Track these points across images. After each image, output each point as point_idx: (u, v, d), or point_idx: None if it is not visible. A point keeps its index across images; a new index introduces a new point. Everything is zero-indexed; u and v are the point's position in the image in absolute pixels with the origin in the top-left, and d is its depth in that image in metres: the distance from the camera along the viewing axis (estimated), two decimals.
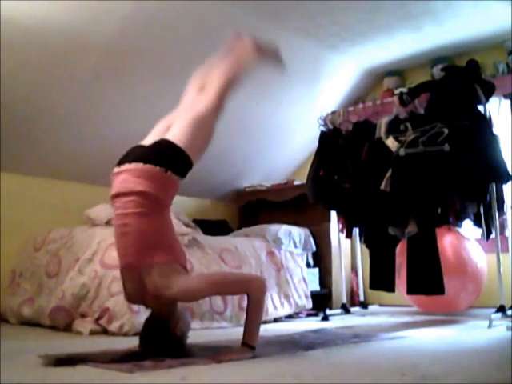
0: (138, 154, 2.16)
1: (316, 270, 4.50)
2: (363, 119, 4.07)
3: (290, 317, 4.03)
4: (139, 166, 2.11)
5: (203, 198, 4.97)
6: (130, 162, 2.14)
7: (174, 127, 2.25)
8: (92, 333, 2.96)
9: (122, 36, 3.44)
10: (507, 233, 3.75)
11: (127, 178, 2.12)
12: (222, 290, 2.37)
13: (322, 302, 4.37)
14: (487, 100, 3.52)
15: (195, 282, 2.14)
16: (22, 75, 3.39)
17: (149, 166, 2.10)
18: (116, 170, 2.19)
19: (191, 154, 2.20)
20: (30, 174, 3.95)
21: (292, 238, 4.33)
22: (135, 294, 2.12)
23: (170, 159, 2.15)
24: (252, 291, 2.08)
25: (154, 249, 2.07)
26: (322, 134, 4.17)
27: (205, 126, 2.28)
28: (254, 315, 2.09)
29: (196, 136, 2.24)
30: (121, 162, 2.19)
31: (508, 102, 3.70)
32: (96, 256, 3.18)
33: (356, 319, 3.89)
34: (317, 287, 4.44)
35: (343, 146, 4.01)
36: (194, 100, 2.41)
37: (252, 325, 2.09)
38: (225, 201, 5.27)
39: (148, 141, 2.26)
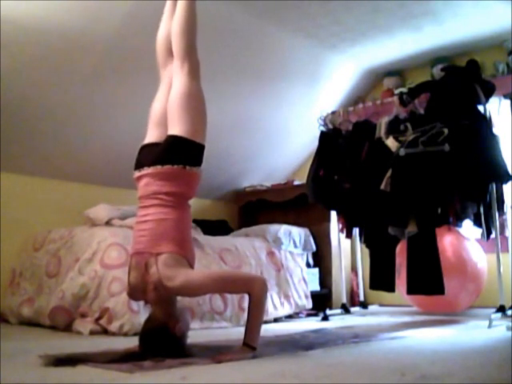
0: (155, 157, 2.23)
1: (316, 270, 4.50)
2: (363, 119, 4.07)
3: (290, 317, 4.03)
4: (158, 168, 2.20)
5: (203, 198, 4.96)
6: (148, 165, 2.22)
7: (170, 118, 2.28)
8: (92, 333, 2.96)
9: (123, 35, 3.44)
10: (507, 233, 3.75)
11: (150, 181, 2.21)
12: (224, 288, 2.37)
13: (322, 301, 4.38)
14: (487, 100, 3.52)
15: (198, 276, 2.15)
16: (22, 75, 3.38)
17: (167, 167, 2.19)
18: (137, 174, 2.27)
19: (198, 137, 2.27)
20: (30, 174, 3.95)
21: (292, 238, 4.33)
22: (137, 284, 2.13)
23: (184, 154, 2.22)
24: (254, 291, 2.08)
25: (167, 239, 2.12)
26: (322, 133, 4.17)
27: (196, 100, 2.32)
28: (255, 315, 2.09)
29: (195, 117, 2.28)
30: (139, 166, 2.27)
31: (508, 101, 3.70)
32: (96, 256, 3.18)
33: (356, 319, 3.88)
34: (317, 287, 4.44)
35: (343, 146, 4.01)
36: (172, 72, 2.40)
37: (253, 325, 2.09)
38: (225, 201, 5.27)
39: (152, 135, 2.33)
